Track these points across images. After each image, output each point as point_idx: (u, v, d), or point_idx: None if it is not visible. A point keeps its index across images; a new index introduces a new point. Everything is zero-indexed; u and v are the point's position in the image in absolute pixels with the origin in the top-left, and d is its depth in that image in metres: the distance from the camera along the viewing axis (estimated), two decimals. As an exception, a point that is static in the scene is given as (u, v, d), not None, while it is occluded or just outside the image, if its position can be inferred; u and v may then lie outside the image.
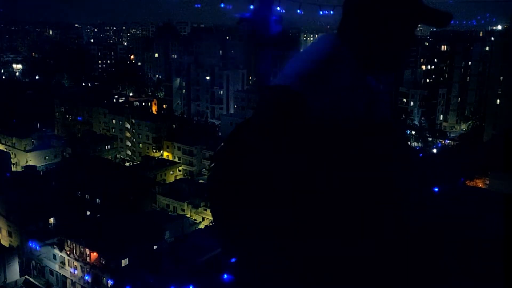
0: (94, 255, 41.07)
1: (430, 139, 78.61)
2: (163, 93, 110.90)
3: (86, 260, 41.75)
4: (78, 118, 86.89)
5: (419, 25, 1.69)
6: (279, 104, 1.52)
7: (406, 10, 1.57)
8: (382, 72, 1.68)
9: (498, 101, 69.81)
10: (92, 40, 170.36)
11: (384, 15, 1.57)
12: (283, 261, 1.57)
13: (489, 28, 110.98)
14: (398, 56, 1.65)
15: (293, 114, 1.49)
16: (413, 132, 76.63)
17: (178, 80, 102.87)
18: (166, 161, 69.78)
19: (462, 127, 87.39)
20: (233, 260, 1.72)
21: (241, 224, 1.57)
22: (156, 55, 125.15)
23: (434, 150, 67.69)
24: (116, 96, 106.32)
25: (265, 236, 1.55)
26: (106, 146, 76.74)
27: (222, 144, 1.62)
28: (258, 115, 1.56)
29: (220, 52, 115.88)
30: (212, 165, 1.65)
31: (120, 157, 79.91)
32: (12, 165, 64.75)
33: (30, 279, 44.47)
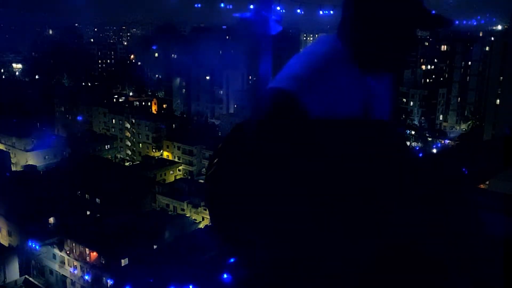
0: (94, 254, 41.08)
1: (430, 139, 78.64)
2: (163, 93, 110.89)
3: (86, 260, 41.76)
4: (78, 118, 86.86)
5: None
6: (275, 107, 1.52)
7: (406, 12, 1.56)
8: (381, 73, 1.68)
9: (498, 101, 69.77)
10: (92, 40, 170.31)
11: (383, 16, 1.57)
12: (282, 261, 1.57)
13: (489, 28, 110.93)
14: (398, 57, 1.65)
15: (289, 116, 1.49)
16: (413, 132, 76.66)
17: (178, 80, 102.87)
18: (166, 160, 69.78)
19: (462, 127, 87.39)
20: (232, 260, 1.72)
21: (239, 224, 1.57)
22: (156, 55, 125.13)
23: (434, 150, 67.71)
24: (116, 96, 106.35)
25: (263, 237, 1.55)
26: (106, 146, 76.74)
27: (220, 145, 1.62)
28: (254, 117, 1.56)
29: (220, 52, 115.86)
30: (210, 165, 1.66)
31: (120, 157, 79.90)
32: (12, 165, 64.73)
33: (30, 278, 44.45)
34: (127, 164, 74.31)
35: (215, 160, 1.64)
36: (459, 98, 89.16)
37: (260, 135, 1.49)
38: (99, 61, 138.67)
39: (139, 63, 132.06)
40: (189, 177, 65.44)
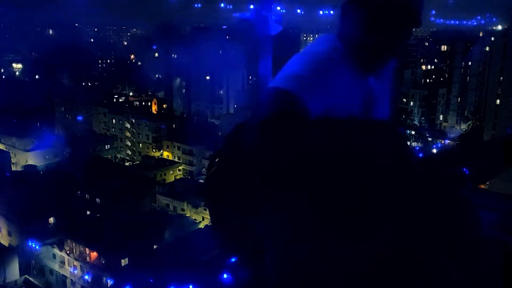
0: (94, 254, 41.08)
1: (430, 139, 78.65)
2: (163, 93, 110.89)
3: (86, 260, 41.77)
4: (78, 118, 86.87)
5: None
6: (276, 106, 1.52)
7: (406, 13, 1.57)
8: (381, 72, 1.69)
9: (498, 101, 69.77)
10: (92, 40, 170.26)
11: (384, 16, 1.57)
12: (282, 262, 1.57)
13: (489, 28, 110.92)
14: (395, 57, 1.66)
15: (291, 115, 1.49)
16: (413, 132, 76.67)
17: (178, 80, 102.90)
18: (166, 160, 69.82)
19: (462, 127, 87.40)
20: (232, 260, 1.72)
21: (239, 225, 1.57)
22: (156, 55, 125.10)
23: (434, 150, 67.69)
24: (116, 96, 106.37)
25: (264, 237, 1.55)
26: (106, 146, 76.78)
27: (221, 145, 1.62)
28: (255, 117, 1.56)
29: (220, 52, 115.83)
30: (210, 165, 1.66)
31: (120, 157, 79.93)
32: (12, 165, 64.73)
33: (30, 278, 44.47)
34: (127, 164, 74.33)
35: (216, 160, 1.64)
36: (459, 98, 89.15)
37: (261, 134, 1.49)
38: (99, 61, 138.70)
39: (139, 63, 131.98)
40: (189, 177, 65.45)
